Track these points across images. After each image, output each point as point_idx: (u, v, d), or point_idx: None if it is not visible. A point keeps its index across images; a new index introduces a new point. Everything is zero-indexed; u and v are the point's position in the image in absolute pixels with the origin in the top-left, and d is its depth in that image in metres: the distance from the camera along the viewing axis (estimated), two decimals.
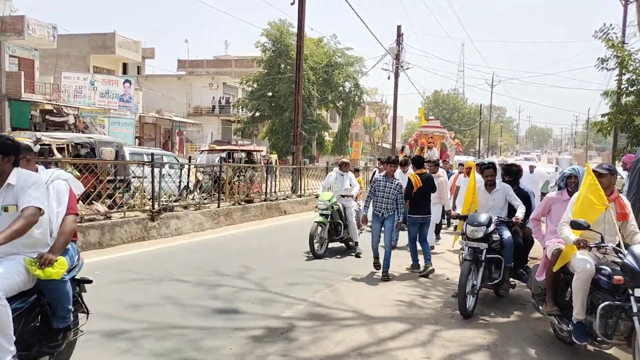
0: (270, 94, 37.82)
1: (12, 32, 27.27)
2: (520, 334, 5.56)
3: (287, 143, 36.33)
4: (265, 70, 38.02)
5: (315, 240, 8.93)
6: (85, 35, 35.80)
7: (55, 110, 28.30)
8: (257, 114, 38.89)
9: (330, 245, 9.57)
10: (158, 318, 5.54)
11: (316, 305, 6.23)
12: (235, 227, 12.59)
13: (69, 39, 34.47)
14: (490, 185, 6.94)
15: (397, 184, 7.78)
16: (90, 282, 4.19)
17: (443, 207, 10.33)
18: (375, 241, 7.86)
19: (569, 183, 5.69)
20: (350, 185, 9.77)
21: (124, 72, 38.79)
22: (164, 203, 11.17)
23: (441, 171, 10.63)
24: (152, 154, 11.70)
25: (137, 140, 29.67)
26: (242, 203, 14.02)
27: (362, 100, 41.37)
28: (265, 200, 15.13)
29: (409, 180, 8.31)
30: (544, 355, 4.94)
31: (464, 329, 5.60)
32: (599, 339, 4.44)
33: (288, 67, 36.95)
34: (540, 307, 5.27)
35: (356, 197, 9.98)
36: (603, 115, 9.81)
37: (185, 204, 12.28)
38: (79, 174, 9.06)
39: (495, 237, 6.40)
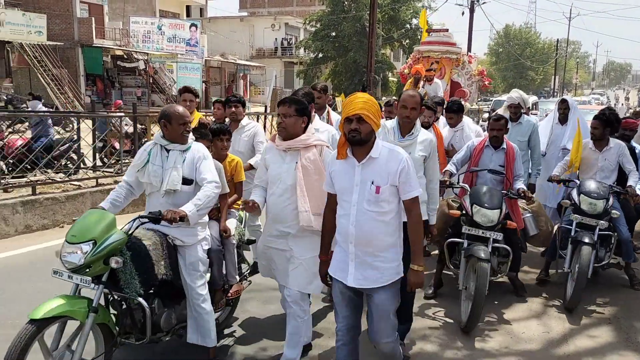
0: (333, 34, 36.82)
1: None
2: None
3: (352, 85, 35.61)
4: (329, 9, 36.87)
5: None
6: None
7: (125, 56, 28.86)
8: (320, 55, 38.10)
9: None
10: None
11: None
12: None
13: None
14: (599, 140, 5.33)
15: None
16: None
17: None
18: None
19: None
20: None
21: (187, 14, 38.74)
22: None
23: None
24: None
25: (204, 84, 29.87)
26: None
27: None
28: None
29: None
30: None
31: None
32: None
33: (352, 4, 35.64)
34: None
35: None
36: None
37: None
38: None
39: (615, 213, 5.01)
